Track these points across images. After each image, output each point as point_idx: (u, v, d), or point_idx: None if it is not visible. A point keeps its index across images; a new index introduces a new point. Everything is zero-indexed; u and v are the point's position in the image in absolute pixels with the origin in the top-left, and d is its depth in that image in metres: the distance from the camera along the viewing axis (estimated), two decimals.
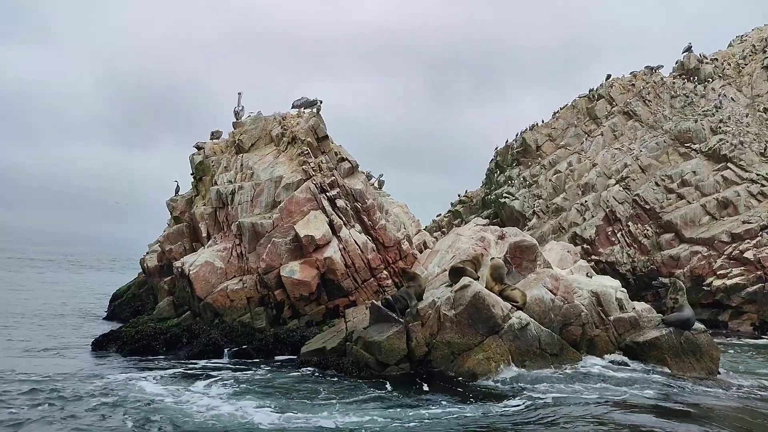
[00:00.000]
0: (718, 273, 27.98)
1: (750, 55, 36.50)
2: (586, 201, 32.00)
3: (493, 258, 14.31)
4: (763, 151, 30.68)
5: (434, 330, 13.11)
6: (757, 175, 29.67)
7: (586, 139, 34.11)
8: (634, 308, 14.69)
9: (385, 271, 18.65)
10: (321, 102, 21.07)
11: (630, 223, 30.72)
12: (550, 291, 13.88)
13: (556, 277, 14.19)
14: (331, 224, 18.02)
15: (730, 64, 36.06)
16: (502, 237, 15.70)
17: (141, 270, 23.21)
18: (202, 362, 14.93)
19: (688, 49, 36.12)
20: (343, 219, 18.42)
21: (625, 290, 15.12)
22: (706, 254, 28.51)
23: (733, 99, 33.44)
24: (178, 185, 21.85)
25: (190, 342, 16.88)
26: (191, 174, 21.11)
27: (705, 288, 27.89)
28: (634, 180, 31.51)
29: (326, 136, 19.40)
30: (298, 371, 13.73)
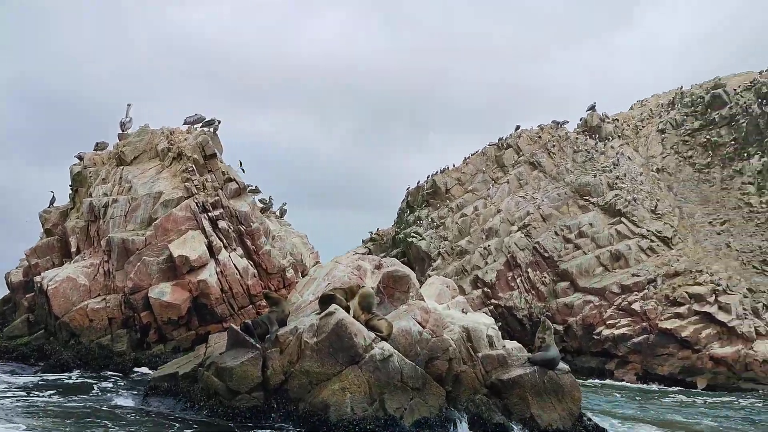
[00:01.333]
0: (607, 323, 28.81)
1: (647, 119, 38.91)
2: (489, 245, 32.49)
3: (363, 287, 13.90)
4: (653, 208, 32.31)
5: (294, 358, 12.44)
6: (648, 231, 31.13)
7: (492, 186, 34.94)
8: (504, 346, 14.54)
9: None
10: (219, 122, 20.47)
11: (529, 270, 31.34)
12: (419, 323, 13.52)
13: (426, 309, 13.89)
14: (209, 246, 17.24)
15: (629, 125, 38.26)
16: (378, 267, 15.38)
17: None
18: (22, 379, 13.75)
19: (592, 108, 38.11)
20: (224, 241, 17.67)
21: (497, 328, 14.98)
22: (597, 304, 29.36)
23: (629, 158, 35.29)
24: (53, 196, 20.47)
25: (37, 363, 15.54)
26: (69, 185, 19.84)
27: (595, 337, 28.61)
28: (535, 228, 32.34)
29: (215, 155, 18.75)
30: (126, 400, 12.87)
